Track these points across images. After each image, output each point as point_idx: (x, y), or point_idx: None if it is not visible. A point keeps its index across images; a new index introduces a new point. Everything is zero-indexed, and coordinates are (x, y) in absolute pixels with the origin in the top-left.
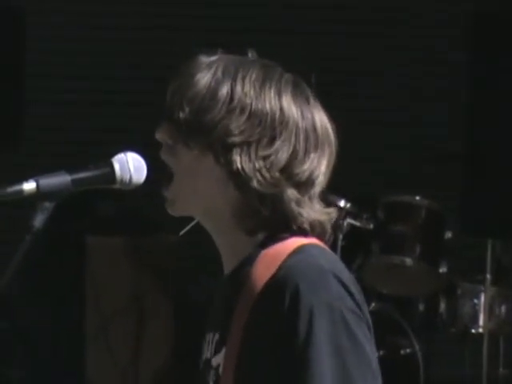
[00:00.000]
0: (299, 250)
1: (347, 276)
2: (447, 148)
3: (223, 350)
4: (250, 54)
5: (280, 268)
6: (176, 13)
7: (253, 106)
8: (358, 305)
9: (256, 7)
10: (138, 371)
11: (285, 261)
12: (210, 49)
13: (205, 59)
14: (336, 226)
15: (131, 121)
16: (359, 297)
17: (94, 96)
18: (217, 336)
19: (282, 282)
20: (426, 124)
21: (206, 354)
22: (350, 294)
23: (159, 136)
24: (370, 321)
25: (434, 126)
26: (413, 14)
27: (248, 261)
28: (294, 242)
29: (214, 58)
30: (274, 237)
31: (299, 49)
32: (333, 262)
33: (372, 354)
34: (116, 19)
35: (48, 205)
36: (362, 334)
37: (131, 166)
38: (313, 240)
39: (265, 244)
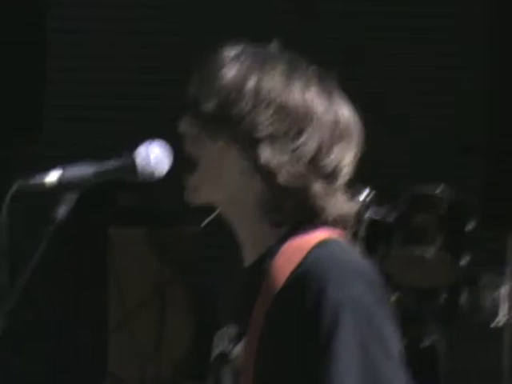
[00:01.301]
0: (322, 244)
1: (370, 271)
2: (470, 140)
3: (243, 341)
4: (274, 46)
5: (303, 262)
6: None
7: (279, 100)
8: (381, 299)
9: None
10: (160, 361)
11: (307, 254)
12: (235, 41)
13: (230, 52)
14: (357, 218)
15: (153, 110)
16: (382, 291)
17: (116, 86)
18: (236, 327)
19: (306, 276)
20: (449, 116)
21: (221, 347)
22: (374, 289)
23: (183, 127)
24: (393, 315)
25: (457, 117)
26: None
27: (270, 253)
28: (317, 236)
29: (239, 51)
30: (297, 230)
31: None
32: (356, 257)
33: (397, 348)
34: (140, 23)
35: (70, 196)
36: (387, 328)
37: (153, 157)
38: (336, 234)
39: (287, 237)
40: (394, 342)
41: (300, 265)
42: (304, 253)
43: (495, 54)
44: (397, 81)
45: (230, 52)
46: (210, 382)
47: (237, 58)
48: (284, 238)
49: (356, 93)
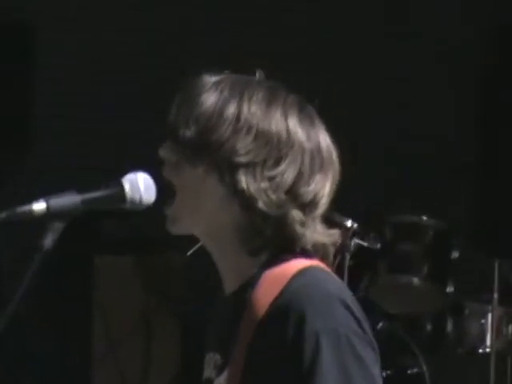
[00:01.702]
0: (302, 272)
1: (351, 300)
2: (456, 166)
3: (225, 372)
4: (257, 75)
5: (283, 291)
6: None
7: (259, 127)
8: (363, 329)
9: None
10: None
11: (288, 283)
12: (215, 69)
13: (210, 78)
14: (343, 246)
15: (142, 137)
16: (364, 320)
17: (108, 112)
18: (218, 357)
19: (287, 306)
20: (435, 139)
21: (208, 373)
22: (356, 319)
23: (163, 153)
24: (375, 343)
25: (443, 141)
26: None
27: (250, 282)
28: (297, 264)
29: (219, 78)
30: (277, 258)
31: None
32: (337, 285)
33: (379, 378)
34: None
35: (58, 225)
36: (369, 357)
37: (141, 186)
38: (315, 262)
39: (267, 265)
40: (376, 371)
41: (281, 294)
42: (284, 282)
43: (483, 78)
44: (381, 105)
45: (210, 78)
46: None
47: (216, 84)
48: (264, 267)
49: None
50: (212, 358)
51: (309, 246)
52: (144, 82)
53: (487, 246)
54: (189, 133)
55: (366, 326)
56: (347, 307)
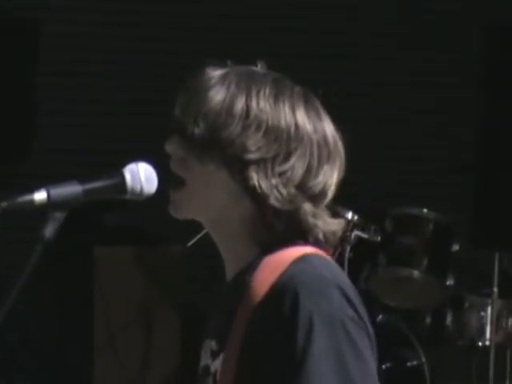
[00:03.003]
0: (301, 258)
1: (349, 286)
2: (456, 160)
3: (221, 356)
4: (259, 66)
5: (281, 276)
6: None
7: (269, 123)
8: (359, 315)
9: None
10: (147, 382)
11: (287, 269)
12: (219, 60)
13: (215, 72)
14: (343, 238)
15: (144, 137)
16: (361, 307)
17: (108, 108)
18: (216, 342)
19: (283, 290)
20: (436, 135)
21: (205, 360)
22: (352, 305)
23: (170, 148)
24: (372, 332)
25: (443, 137)
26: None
27: (250, 268)
28: (297, 251)
29: (224, 72)
30: (278, 245)
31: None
32: (335, 272)
33: (373, 364)
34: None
35: (59, 215)
36: (363, 343)
37: (142, 176)
38: (316, 249)
39: (268, 251)
40: (370, 357)
41: (279, 279)
42: (284, 267)
43: (485, 75)
44: (385, 102)
45: (215, 73)
46: None
47: (223, 79)
48: (265, 253)
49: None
50: (208, 345)
51: (321, 236)
52: (147, 76)
53: (487, 239)
54: (198, 130)
55: (363, 311)
56: (343, 292)
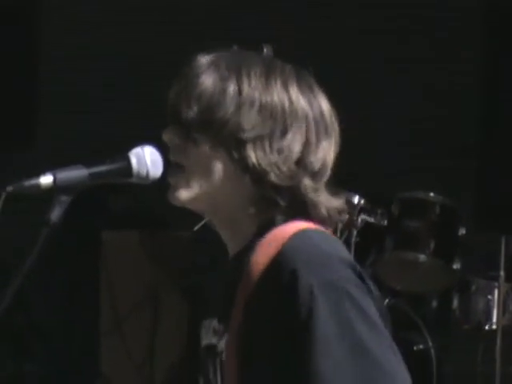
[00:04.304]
0: (299, 234)
1: (349, 259)
2: (462, 144)
3: (226, 336)
4: (265, 50)
5: (280, 251)
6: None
7: (262, 100)
8: (362, 278)
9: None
10: (153, 367)
11: (286, 242)
12: (208, 48)
13: (205, 58)
14: (350, 222)
15: (148, 119)
16: (366, 276)
17: (108, 93)
18: (219, 321)
19: (281, 265)
20: (441, 119)
21: (208, 340)
22: (355, 272)
23: (167, 137)
24: (380, 298)
25: (448, 121)
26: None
27: (249, 246)
28: (294, 226)
29: (214, 57)
30: (275, 223)
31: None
32: (334, 245)
33: (381, 326)
34: (132, 15)
35: (65, 198)
36: (369, 307)
37: (148, 159)
38: (314, 225)
39: (268, 228)
40: (377, 318)
41: (277, 254)
42: (281, 242)
43: (488, 61)
44: (388, 85)
45: (206, 59)
46: (202, 374)
47: (213, 63)
48: (265, 230)
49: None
50: (209, 324)
51: (324, 212)
52: (148, 67)
53: (494, 222)
54: (191, 113)
55: (369, 281)
56: (343, 261)
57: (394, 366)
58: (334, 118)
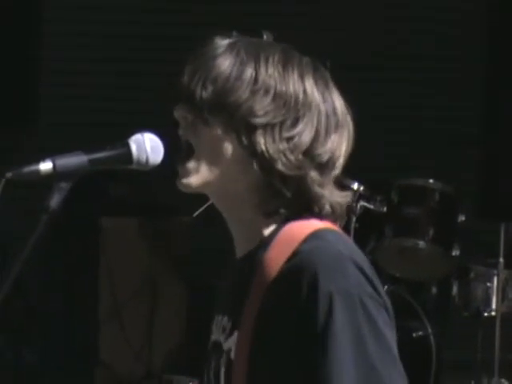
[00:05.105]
0: (315, 234)
1: (365, 262)
2: (462, 132)
3: (235, 335)
4: (265, 37)
5: (296, 253)
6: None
7: (277, 88)
8: (376, 290)
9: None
10: (152, 354)
11: (300, 245)
12: (225, 32)
13: (224, 41)
14: (349, 209)
15: (147, 103)
16: (377, 282)
17: (110, 78)
18: (228, 319)
19: (299, 268)
20: (441, 107)
21: (216, 336)
22: (369, 280)
23: (178, 113)
24: (389, 305)
25: (448, 109)
26: None
27: (262, 244)
28: (310, 226)
29: (233, 40)
30: (291, 220)
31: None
32: (350, 247)
33: (392, 340)
34: None
35: (64, 185)
36: (382, 319)
37: (148, 146)
38: (328, 224)
39: (281, 227)
40: (390, 334)
41: (293, 255)
42: (297, 243)
43: (491, 49)
44: (391, 72)
45: (223, 41)
46: (205, 369)
47: (231, 47)
48: (278, 229)
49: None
50: (220, 321)
51: (327, 207)
52: (152, 48)
53: (493, 209)
54: (206, 94)
55: (380, 287)
56: (360, 268)
57: (394, 381)
58: (348, 117)
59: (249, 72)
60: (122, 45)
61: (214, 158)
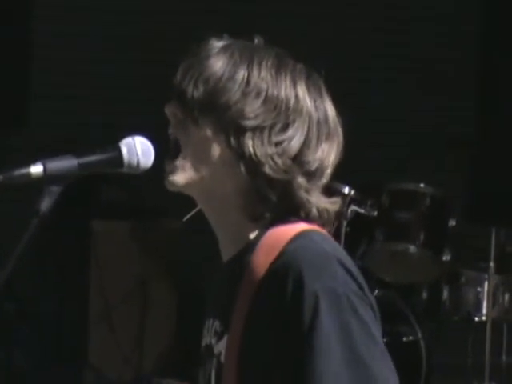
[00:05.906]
0: (301, 235)
1: (350, 261)
2: (452, 136)
3: (225, 338)
4: (256, 41)
5: (281, 254)
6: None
7: (269, 91)
8: (362, 289)
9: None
10: (141, 357)
11: (286, 246)
12: (218, 34)
13: (218, 43)
14: (340, 213)
15: (137, 105)
16: (362, 281)
17: (101, 79)
18: (217, 323)
19: (285, 268)
20: (431, 111)
21: (207, 339)
22: (354, 279)
23: (169, 110)
24: (375, 304)
25: (439, 113)
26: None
27: (249, 247)
28: (295, 228)
29: (227, 42)
30: (275, 223)
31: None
32: (335, 247)
33: (379, 336)
34: None
35: (55, 188)
36: (369, 317)
37: (139, 149)
38: (315, 226)
39: (266, 230)
40: (376, 329)
41: (278, 256)
42: (282, 244)
43: (483, 49)
44: (381, 75)
45: (218, 43)
46: (197, 373)
47: (225, 48)
48: (263, 232)
49: (339, 90)
50: (211, 325)
51: (314, 212)
52: (147, 47)
53: (484, 214)
54: (197, 93)
55: (365, 286)
56: (345, 267)
57: (385, 376)
58: (338, 126)
59: (241, 74)
60: (112, 45)
61: (202, 158)
